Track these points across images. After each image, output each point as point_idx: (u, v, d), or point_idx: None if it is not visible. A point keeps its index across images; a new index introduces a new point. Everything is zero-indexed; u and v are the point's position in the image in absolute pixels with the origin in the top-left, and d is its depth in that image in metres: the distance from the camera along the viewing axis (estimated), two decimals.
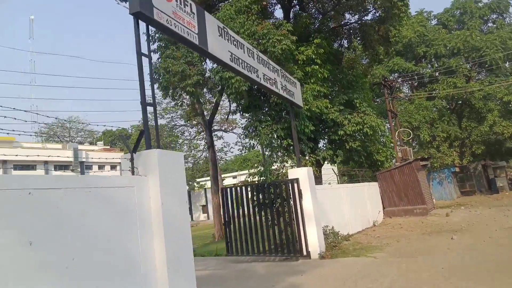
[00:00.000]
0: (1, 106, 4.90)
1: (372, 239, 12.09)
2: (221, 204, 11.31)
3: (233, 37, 7.41)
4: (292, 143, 10.91)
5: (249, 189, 10.85)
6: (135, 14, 4.81)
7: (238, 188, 10.99)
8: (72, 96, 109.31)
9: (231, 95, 11.03)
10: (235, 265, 10.21)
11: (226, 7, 11.91)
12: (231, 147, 58.50)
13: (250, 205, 10.71)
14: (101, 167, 42.96)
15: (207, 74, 11.94)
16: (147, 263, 4.04)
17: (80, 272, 3.25)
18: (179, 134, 46.90)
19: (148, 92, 5.11)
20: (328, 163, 15.08)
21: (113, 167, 44.37)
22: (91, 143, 53.45)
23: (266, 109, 11.79)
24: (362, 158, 15.21)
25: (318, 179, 13.61)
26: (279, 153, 12.08)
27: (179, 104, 12.75)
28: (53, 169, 37.96)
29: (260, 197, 10.45)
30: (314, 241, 9.50)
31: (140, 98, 4.80)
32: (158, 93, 11.69)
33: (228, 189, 11.20)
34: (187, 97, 12.64)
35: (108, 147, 53.26)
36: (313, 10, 17.09)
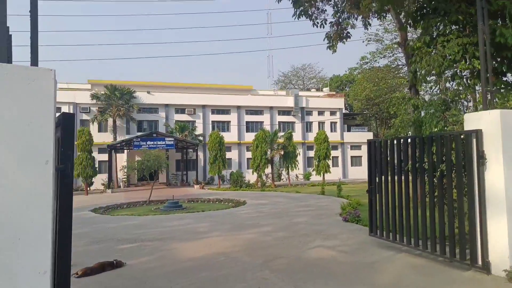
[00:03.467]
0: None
1: None
2: (367, 162, 8.05)
3: None
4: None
5: (402, 143, 7.08)
6: None
7: (389, 141, 7.37)
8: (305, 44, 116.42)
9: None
10: (370, 251, 7.13)
11: None
12: None
13: (404, 168, 7.03)
14: (320, 113, 43.52)
15: None
16: None
17: None
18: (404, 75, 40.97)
19: None
20: None
21: (332, 113, 44.09)
22: (317, 90, 55.00)
23: (448, 13, 6.76)
24: None
25: None
26: (460, 87, 6.98)
27: (319, 24, 9.28)
28: (277, 114, 41.41)
29: (417, 157, 6.56)
30: (501, 245, 5.13)
31: None
32: (290, 12, 8.67)
33: (376, 142, 7.76)
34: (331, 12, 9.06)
35: (334, 92, 53.19)
36: None
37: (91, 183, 29.32)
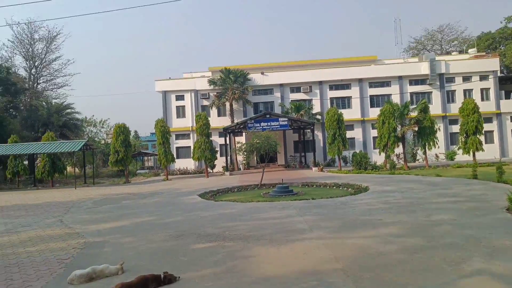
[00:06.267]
0: None
1: None
2: None
3: None
4: None
5: None
6: None
7: None
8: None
9: None
10: None
11: None
12: None
13: None
14: (466, 78, 35.51)
15: None
16: None
17: None
18: None
19: None
20: None
21: (483, 77, 35.51)
22: (460, 52, 45.58)
23: None
24: None
25: None
26: None
27: None
28: (408, 84, 35.28)
29: None
30: None
31: None
32: None
33: None
34: None
35: (483, 53, 43.24)
36: None
37: (213, 166, 29.94)
